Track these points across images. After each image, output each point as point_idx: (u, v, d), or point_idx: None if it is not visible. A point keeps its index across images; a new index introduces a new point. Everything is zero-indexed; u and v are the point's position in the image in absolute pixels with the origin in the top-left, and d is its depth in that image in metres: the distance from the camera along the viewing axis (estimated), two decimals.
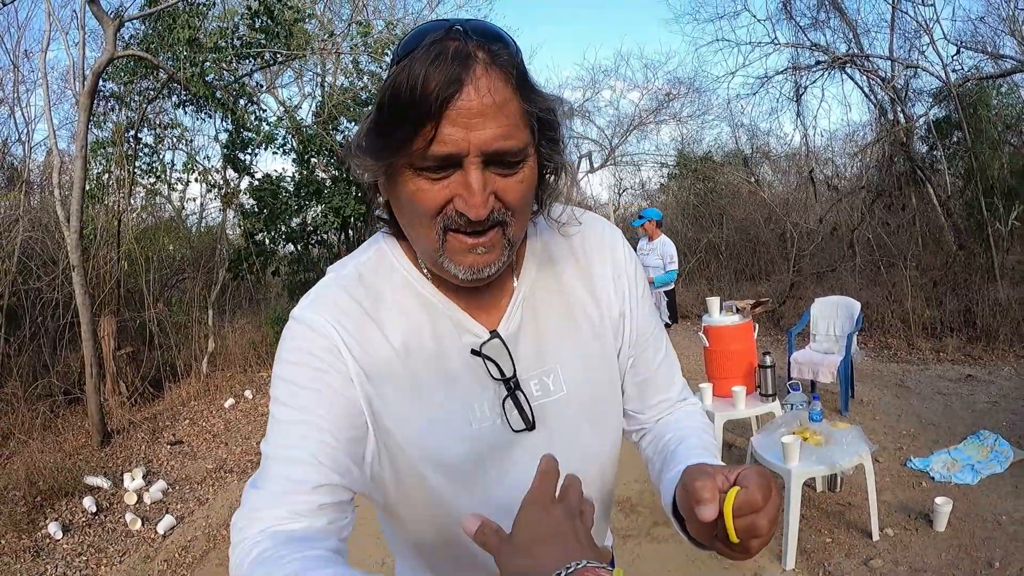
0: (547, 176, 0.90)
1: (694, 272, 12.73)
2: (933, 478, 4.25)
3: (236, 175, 10.53)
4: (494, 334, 0.93)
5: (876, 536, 3.58)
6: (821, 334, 5.91)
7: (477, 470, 0.92)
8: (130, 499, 5.00)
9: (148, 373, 8.37)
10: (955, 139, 10.38)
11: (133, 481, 5.25)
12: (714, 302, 4.64)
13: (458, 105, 0.74)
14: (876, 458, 4.55)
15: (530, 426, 0.93)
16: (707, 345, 4.59)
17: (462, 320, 0.93)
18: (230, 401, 7.82)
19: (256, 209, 10.49)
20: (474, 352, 0.92)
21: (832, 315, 5.86)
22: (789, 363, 5.75)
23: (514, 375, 0.93)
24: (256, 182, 10.57)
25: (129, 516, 4.67)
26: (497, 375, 0.92)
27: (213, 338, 9.87)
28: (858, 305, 5.66)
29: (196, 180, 10.89)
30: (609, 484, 1.07)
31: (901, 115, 10.74)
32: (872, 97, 11.33)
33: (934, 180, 10.33)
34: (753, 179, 13.74)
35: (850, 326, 5.64)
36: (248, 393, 8.21)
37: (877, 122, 11.42)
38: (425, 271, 0.93)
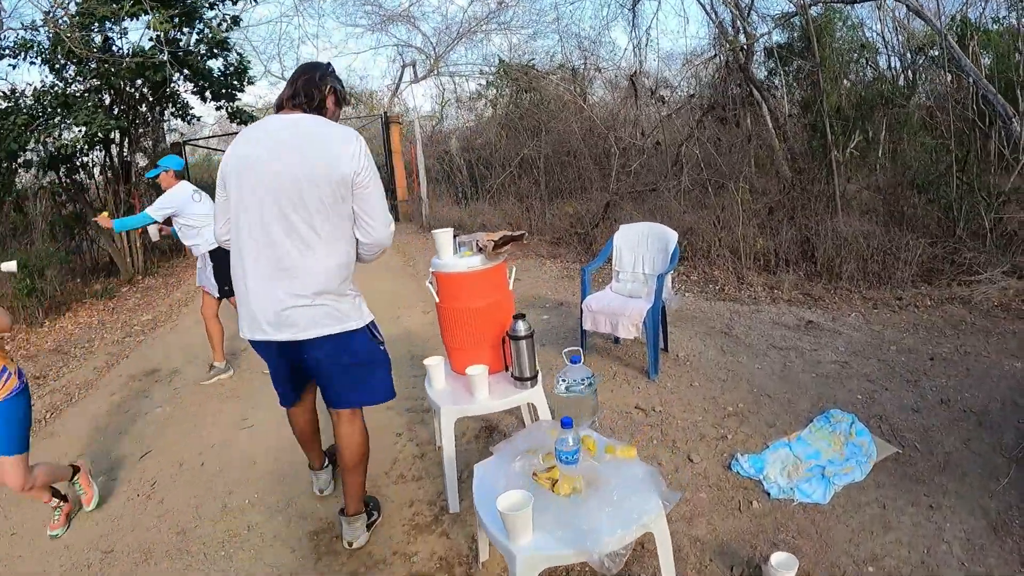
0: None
1: (504, 188, 11.17)
2: (768, 493, 2.80)
3: None
4: None
5: None
6: (626, 271, 4.38)
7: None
8: None
9: None
10: (794, 66, 9.94)
11: None
12: (444, 236, 2.91)
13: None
14: (690, 457, 3.07)
15: None
16: (437, 300, 2.89)
17: None
18: None
19: None
20: None
21: (641, 247, 4.33)
22: (581, 311, 4.19)
23: None
24: None
25: None
26: None
27: None
28: (674, 236, 4.15)
29: None
30: None
31: (743, 35, 9.58)
32: (713, 13, 10.02)
33: (771, 103, 9.20)
34: (578, 90, 12.16)
35: (663, 263, 4.14)
36: None
37: (716, 40, 10.22)
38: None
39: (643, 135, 9.20)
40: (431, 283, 2.92)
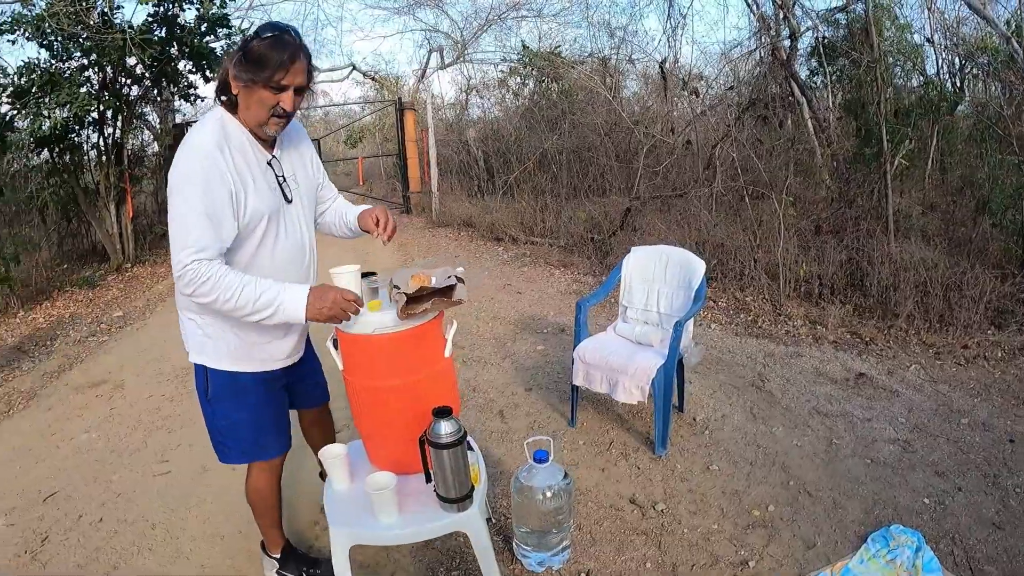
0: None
1: (520, 184, 10.35)
2: None
3: None
4: (274, 156, 1.95)
5: None
6: (636, 309, 3.52)
7: (277, 222, 1.94)
8: None
9: None
10: (837, 66, 9.15)
11: None
12: (345, 279, 1.93)
13: (292, 67, 1.76)
14: None
15: (288, 199, 1.97)
16: (341, 367, 2.08)
17: (262, 150, 1.91)
18: None
19: None
20: (268, 163, 1.93)
21: (657, 279, 3.47)
22: (573, 360, 3.35)
23: (283, 174, 1.97)
24: None
25: None
26: (279, 172, 1.96)
27: None
28: (701, 267, 3.28)
29: None
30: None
31: (786, 28, 8.63)
32: (754, 4, 9.07)
33: (815, 104, 8.25)
34: (608, 81, 11.23)
35: (684, 303, 3.29)
36: None
37: (757, 32, 9.28)
38: (246, 127, 1.86)
39: (673, 132, 8.26)
40: (331, 344, 2.11)
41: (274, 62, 1.73)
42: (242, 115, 1.84)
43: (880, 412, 3.49)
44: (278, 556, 2.37)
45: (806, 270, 5.53)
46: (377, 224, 2.08)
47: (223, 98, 1.85)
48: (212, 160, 1.74)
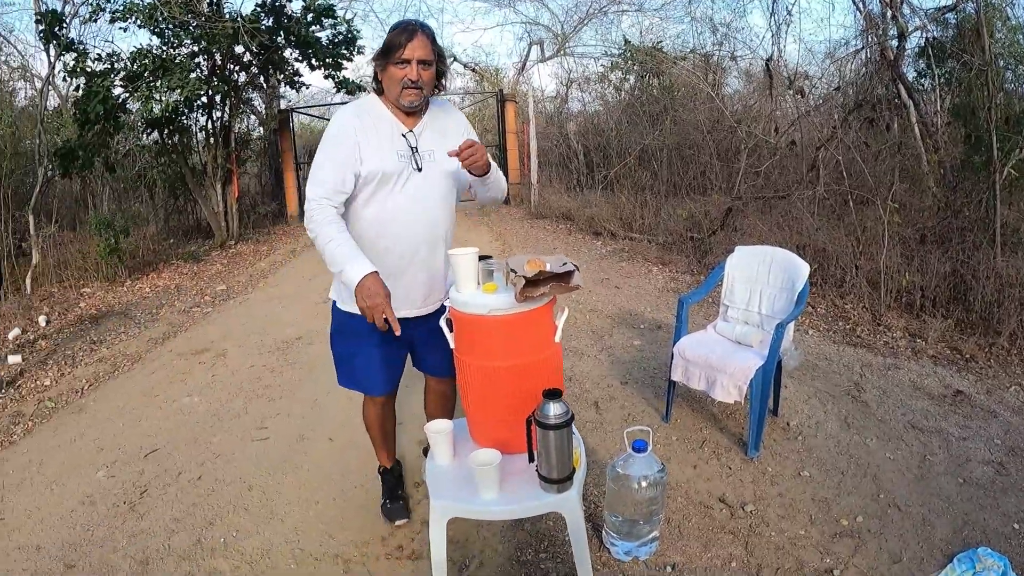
0: (440, 79, 2.23)
1: (620, 179, 10.27)
2: None
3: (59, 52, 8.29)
4: (411, 130, 2.20)
5: None
6: (737, 308, 3.46)
7: (394, 182, 2.16)
8: None
9: None
10: (946, 69, 8.41)
11: None
12: (463, 262, 2.05)
13: (410, 43, 2.06)
14: None
15: (418, 168, 2.19)
16: (452, 346, 2.14)
17: (402, 123, 2.19)
18: (14, 331, 5.91)
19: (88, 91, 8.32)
20: (403, 135, 2.19)
21: (760, 279, 3.39)
22: (672, 356, 3.33)
23: (416, 146, 2.19)
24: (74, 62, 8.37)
25: None
26: (412, 143, 2.19)
27: (37, 250, 7.79)
28: (804, 270, 3.19)
29: None
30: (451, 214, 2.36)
31: (893, 27, 8.25)
32: (860, 2, 8.70)
33: (922, 107, 7.85)
34: (709, 78, 11.03)
35: (786, 306, 3.21)
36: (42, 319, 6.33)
37: (863, 31, 8.90)
38: (389, 105, 2.20)
39: (776, 132, 8.03)
40: (444, 323, 2.17)
41: (397, 42, 2.07)
42: (386, 95, 2.19)
43: (976, 432, 3.32)
44: (379, 470, 2.84)
45: (908, 280, 5.30)
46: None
47: (374, 86, 2.25)
48: (346, 122, 2.15)
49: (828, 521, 2.61)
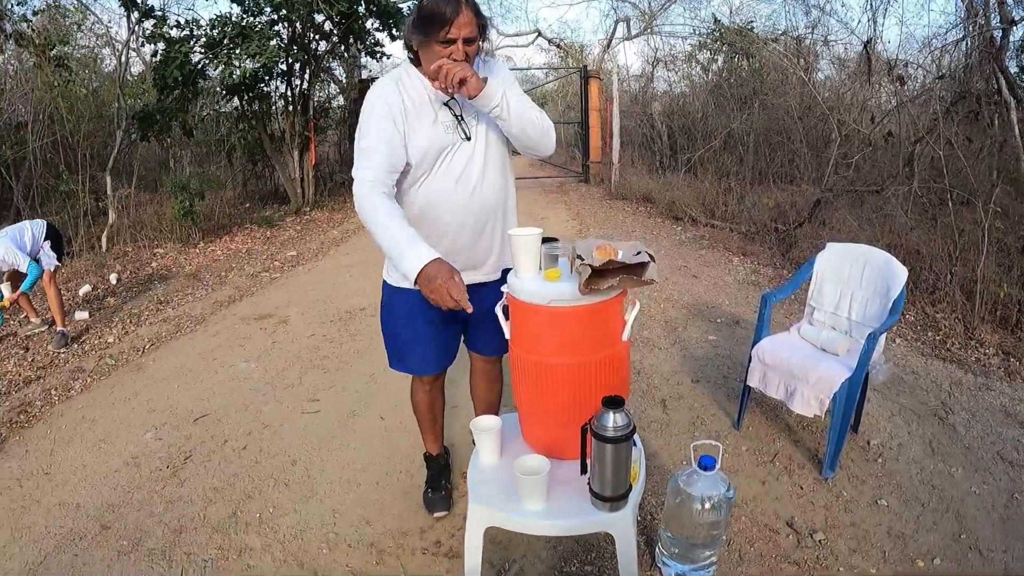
0: (481, 43, 1.96)
1: (704, 163, 9.89)
2: None
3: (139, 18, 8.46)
4: (453, 96, 1.98)
5: None
6: (824, 311, 3.17)
7: (444, 156, 2.01)
8: None
9: None
10: None
11: None
12: (524, 241, 1.84)
13: (456, 20, 1.81)
14: None
15: (466, 137, 2.02)
16: (507, 336, 1.96)
17: (442, 92, 1.90)
18: (85, 288, 6.16)
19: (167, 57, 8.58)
20: (444, 104, 2.00)
21: (852, 281, 3.09)
22: (750, 359, 3.08)
23: (461, 114, 2.01)
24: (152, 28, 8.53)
25: None
26: (456, 112, 2.01)
27: (113, 210, 8.14)
28: (903, 275, 2.87)
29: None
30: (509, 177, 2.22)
31: (996, 16, 7.60)
32: None
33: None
34: (801, 63, 10.49)
35: (879, 313, 2.91)
36: (114, 277, 6.57)
37: (964, 20, 8.25)
38: (426, 77, 1.95)
39: (872, 122, 7.54)
40: (500, 309, 1.99)
41: (439, 20, 1.82)
42: (424, 68, 1.95)
43: None
44: (424, 455, 2.70)
45: (1006, 292, 4.87)
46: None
47: (410, 56, 2.02)
48: (383, 94, 1.97)
49: (903, 560, 2.34)
